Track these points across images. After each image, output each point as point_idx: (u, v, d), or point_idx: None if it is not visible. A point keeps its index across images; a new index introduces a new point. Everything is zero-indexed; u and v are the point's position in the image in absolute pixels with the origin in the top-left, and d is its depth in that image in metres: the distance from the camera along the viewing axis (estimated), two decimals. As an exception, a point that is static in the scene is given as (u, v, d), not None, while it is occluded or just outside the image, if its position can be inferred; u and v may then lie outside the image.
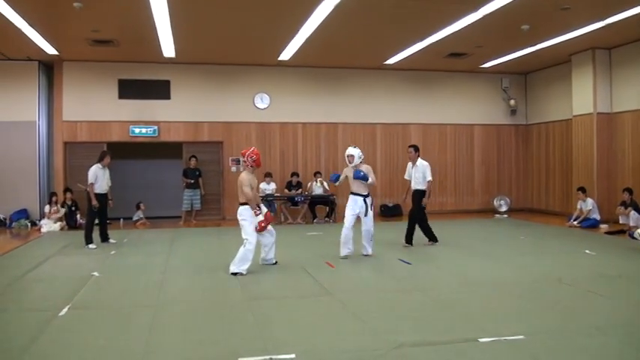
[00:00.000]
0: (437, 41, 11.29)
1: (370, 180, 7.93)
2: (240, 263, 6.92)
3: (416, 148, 9.24)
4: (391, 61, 13.41)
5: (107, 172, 9.60)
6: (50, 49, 11.65)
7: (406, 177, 9.43)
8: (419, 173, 8.99)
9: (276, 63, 13.52)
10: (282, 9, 9.22)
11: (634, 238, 9.10)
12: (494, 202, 14.82)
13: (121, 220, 12.79)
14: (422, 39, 11.30)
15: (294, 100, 14.26)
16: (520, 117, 15.68)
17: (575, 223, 11.77)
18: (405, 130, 14.88)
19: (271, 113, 14.12)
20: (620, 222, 11.08)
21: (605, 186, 12.52)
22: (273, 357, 3.97)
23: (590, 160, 12.69)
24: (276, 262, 7.49)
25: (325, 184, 13.43)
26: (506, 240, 10.23)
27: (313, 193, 13.30)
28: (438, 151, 15.12)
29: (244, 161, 7.23)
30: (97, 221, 9.54)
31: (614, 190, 12.22)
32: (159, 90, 13.57)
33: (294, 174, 13.50)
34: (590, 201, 11.79)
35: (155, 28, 9.96)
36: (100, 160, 9.50)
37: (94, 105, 13.24)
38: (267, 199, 12.36)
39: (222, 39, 11.36)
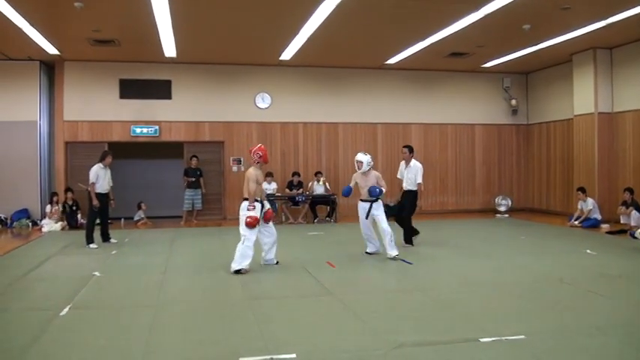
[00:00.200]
0: (438, 41, 11.29)
1: (384, 190, 8.02)
2: (240, 260, 6.95)
3: (410, 149, 9.21)
4: (392, 60, 13.41)
5: (108, 172, 9.60)
6: (51, 49, 11.66)
7: (398, 176, 9.39)
8: (412, 174, 8.96)
9: (277, 63, 13.53)
10: (283, 9, 9.22)
11: (635, 237, 9.10)
12: (495, 201, 14.80)
13: (122, 219, 12.79)
14: (423, 39, 11.29)
15: (295, 100, 14.26)
16: (521, 117, 15.67)
17: (576, 222, 11.77)
18: (406, 130, 14.88)
19: (272, 113, 14.13)
20: (621, 222, 11.08)
21: (606, 186, 12.51)
22: (274, 357, 3.97)
23: (591, 159, 12.68)
24: (277, 263, 7.49)
25: (327, 184, 13.44)
26: (507, 240, 10.23)
27: (314, 193, 13.30)
28: (439, 150, 15.12)
29: (252, 158, 7.27)
30: (98, 221, 9.55)
31: (615, 190, 12.21)
32: (160, 90, 13.58)
33: (295, 174, 13.51)
34: (590, 201, 11.78)
35: (156, 27, 9.96)
36: (101, 160, 9.51)
37: (95, 105, 13.25)
38: (268, 199, 12.34)
39: (224, 39, 11.36)
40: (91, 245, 9.19)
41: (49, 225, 11.80)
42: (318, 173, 13.54)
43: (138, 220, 13.10)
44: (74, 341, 4.42)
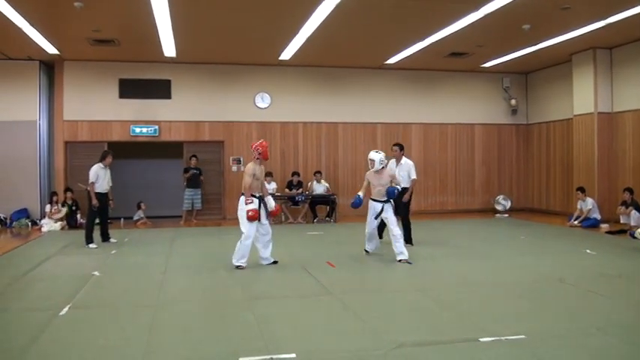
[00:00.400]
0: (437, 41, 11.29)
1: (400, 189, 7.93)
2: (239, 257, 7.16)
3: (401, 147, 9.20)
4: (392, 60, 13.41)
5: (108, 171, 9.60)
6: (51, 49, 11.65)
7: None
8: (404, 172, 8.98)
9: (276, 63, 13.52)
10: (283, 9, 9.22)
11: (635, 237, 9.09)
12: (495, 201, 14.81)
13: (122, 219, 12.79)
14: (422, 38, 11.29)
15: (294, 100, 14.26)
16: (521, 116, 15.67)
17: (575, 222, 11.77)
18: (406, 130, 14.88)
19: (272, 113, 14.13)
20: (621, 222, 11.08)
21: (606, 186, 12.52)
22: (274, 357, 3.97)
23: (590, 159, 12.68)
24: (276, 262, 7.48)
25: (327, 184, 13.43)
26: (507, 240, 10.23)
27: (314, 193, 13.30)
28: (439, 150, 15.12)
29: (253, 153, 7.38)
30: (97, 221, 9.55)
31: (615, 190, 12.21)
32: (160, 89, 13.57)
33: (295, 173, 13.51)
34: (589, 200, 11.79)
35: (156, 27, 9.96)
36: (101, 160, 9.51)
37: (95, 104, 13.25)
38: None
39: (223, 38, 11.36)
40: (91, 245, 9.19)
41: (49, 225, 11.79)
42: (317, 173, 13.54)
43: (137, 220, 13.10)
44: (74, 341, 4.41)
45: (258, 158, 7.28)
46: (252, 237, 7.13)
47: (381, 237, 9.28)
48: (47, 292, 6.12)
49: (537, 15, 9.68)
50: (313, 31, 10.42)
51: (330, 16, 9.36)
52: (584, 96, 12.85)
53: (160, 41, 11.04)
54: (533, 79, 15.51)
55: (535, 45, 11.90)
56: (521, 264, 7.60)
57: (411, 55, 12.67)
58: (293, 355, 3.99)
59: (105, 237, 9.74)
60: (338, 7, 8.80)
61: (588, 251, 8.53)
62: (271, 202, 7.45)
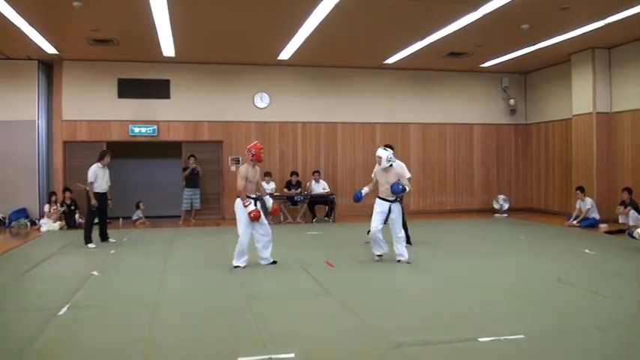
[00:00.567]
0: (437, 40, 11.29)
1: (407, 190, 7.45)
2: (236, 257, 7.25)
3: (392, 148, 9.10)
4: (391, 60, 13.41)
5: (107, 171, 9.60)
6: (50, 49, 11.64)
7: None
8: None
9: (275, 62, 13.52)
10: (282, 8, 9.22)
11: (633, 237, 9.09)
12: (494, 201, 14.81)
13: (121, 219, 12.78)
14: (422, 38, 11.29)
15: (293, 100, 14.26)
16: (520, 116, 15.68)
17: (574, 222, 11.78)
18: (405, 130, 14.88)
19: (271, 113, 14.12)
20: (620, 221, 11.08)
21: (605, 185, 12.52)
22: (273, 356, 3.97)
23: (589, 159, 12.69)
24: (275, 262, 7.48)
25: (325, 184, 13.43)
26: (506, 240, 10.23)
27: (313, 193, 13.29)
28: (438, 150, 15.13)
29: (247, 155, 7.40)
30: (96, 220, 9.54)
31: (614, 190, 12.22)
32: (158, 89, 13.56)
33: (294, 173, 13.50)
34: (589, 200, 11.80)
35: (155, 27, 9.95)
36: (100, 160, 9.50)
37: (94, 104, 13.23)
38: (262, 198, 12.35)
39: (222, 38, 11.35)
40: (90, 245, 9.18)
41: (48, 225, 11.78)
42: (315, 172, 13.53)
43: (136, 220, 13.09)
44: (73, 341, 4.41)
45: (252, 160, 7.30)
46: (248, 238, 7.20)
47: (409, 242, 9.20)
48: (46, 292, 6.12)
49: (536, 15, 9.68)
50: (312, 31, 10.41)
51: (329, 16, 9.35)
52: (582, 96, 12.86)
53: (158, 41, 11.03)
54: (532, 79, 15.52)
55: (534, 45, 11.91)
56: (520, 264, 7.61)
57: (410, 54, 12.67)
58: (292, 355, 3.99)
59: (104, 237, 9.74)
60: (337, 6, 8.79)
61: (587, 251, 8.53)
62: (269, 202, 7.45)
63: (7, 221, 12.42)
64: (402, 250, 7.55)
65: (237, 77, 14.01)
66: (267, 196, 7.63)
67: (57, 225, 11.86)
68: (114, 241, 9.75)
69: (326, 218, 13.18)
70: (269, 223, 7.45)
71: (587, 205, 11.73)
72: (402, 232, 7.63)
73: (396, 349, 4.12)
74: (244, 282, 6.52)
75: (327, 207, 13.34)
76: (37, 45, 11.22)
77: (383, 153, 7.50)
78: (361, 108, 14.58)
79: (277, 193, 13.12)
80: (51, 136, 13.42)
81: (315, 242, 9.91)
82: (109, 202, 9.75)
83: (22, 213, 12.50)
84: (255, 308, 5.29)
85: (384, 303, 5.59)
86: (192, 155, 13.25)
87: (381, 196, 7.57)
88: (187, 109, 13.71)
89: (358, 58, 13.58)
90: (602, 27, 10.34)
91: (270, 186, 13.00)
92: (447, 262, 7.81)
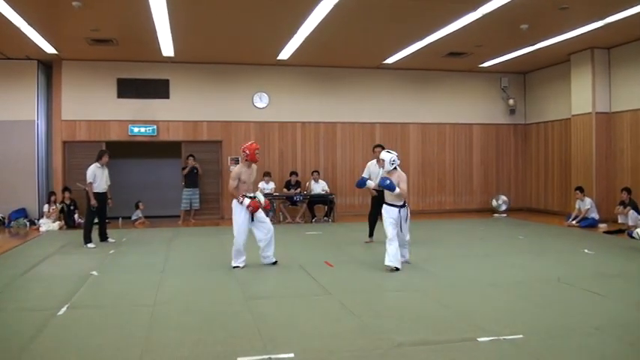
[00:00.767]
0: (436, 40, 11.29)
1: (397, 191, 6.96)
2: (234, 257, 7.31)
3: (383, 148, 9.06)
4: (390, 60, 13.41)
5: (106, 171, 9.59)
6: (49, 48, 11.63)
7: (365, 176, 9.17)
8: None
9: (275, 62, 13.51)
10: (282, 8, 9.22)
11: (633, 237, 9.10)
12: (493, 201, 14.82)
13: (120, 219, 12.78)
14: (421, 38, 11.29)
15: (293, 100, 14.26)
16: (519, 116, 15.68)
17: (573, 222, 11.78)
18: (404, 130, 14.88)
19: (270, 112, 14.12)
20: (619, 221, 11.09)
21: (604, 185, 12.53)
22: (272, 356, 3.97)
23: (588, 159, 12.69)
24: (275, 262, 7.47)
25: (325, 184, 13.42)
26: (505, 239, 10.23)
27: (312, 193, 13.29)
28: (437, 150, 15.13)
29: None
30: (96, 220, 9.54)
31: (613, 190, 12.23)
32: (158, 89, 13.56)
33: (293, 173, 13.49)
34: (588, 200, 11.80)
35: (154, 27, 9.95)
36: (98, 160, 9.50)
37: (93, 104, 13.23)
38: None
39: (221, 38, 11.35)
40: (89, 245, 9.18)
41: (47, 224, 11.78)
42: (314, 172, 13.52)
43: (136, 220, 13.08)
44: (72, 341, 4.41)
45: (246, 160, 7.32)
46: (243, 238, 7.20)
47: (373, 233, 9.30)
48: (45, 292, 6.11)
49: (536, 15, 9.69)
50: (312, 31, 10.41)
51: (329, 16, 9.35)
52: (582, 96, 12.86)
53: (158, 41, 11.03)
54: (531, 79, 15.52)
55: (533, 45, 11.91)
56: (519, 264, 7.61)
57: (409, 54, 12.67)
58: (291, 355, 3.99)
59: (103, 237, 9.74)
60: (337, 6, 8.79)
61: (586, 251, 8.54)
62: (260, 197, 7.41)
63: (6, 221, 12.41)
64: (404, 252, 7.47)
65: (237, 77, 14.01)
66: (258, 192, 7.62)
67: (56, 225, 11.85)
68: (113, 240, 9.74)
69: (325, 218, 13.18)
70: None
71: (586, 205, 11.74)
72: (408, 235, 7.41)
73: (396, 348, 4.12)
74: (243, 282, 6.52)
75: (326, 207, 13.34)
76: (37, 45, 11.21)
77: (386, 156, 7.22)
78: (360, 108, 14.58)
79: (277, 193, 13.12)
80: (50, 136, 13.41)
81: (314, 242, 9.91)
82: (109, 201, 9.75)
83: (22, 213, 12.48)
84: (254, 308, 5.29)
85: (384, 303, 5.60)
86: (191, 155, 13.24)
87: (387, 201, 7.22)
88: (187, 109, 13.70)
89: (357, 58, 13.58)
90: (601, 27, 10.34)
91: (269, 186, 13.00)
92: (447, 262, 7.81)
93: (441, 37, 11.02)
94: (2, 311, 5.34)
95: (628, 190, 11.03)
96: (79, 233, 9.60)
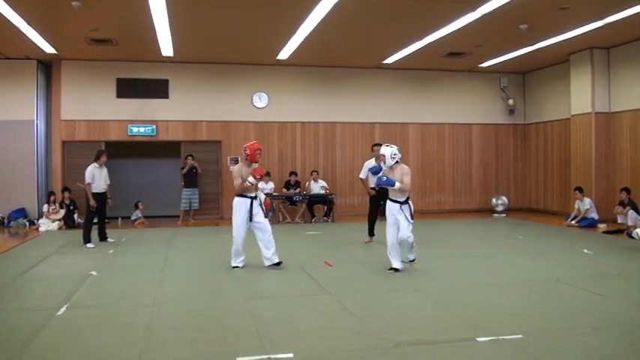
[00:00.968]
0: (435, 40, 11.29)
1: (397, 185, 6.74)
2: (233, 257, 7.32)
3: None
4: (390, 60, 13.41)
5: (105, 170, 9.58)
6: (49, 48, 11.63)
7: (362, 176, 9.12)
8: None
9: (274, 62, 13.51)
10: (281, 8, 9.22)
11: (632, 237, 9.11)
12: (492, 201, 14.82)
13: (120, 219, 12.78)
14: (420, 38, 11.29)
15: (292, 100, 14.26)
16: (518, 116, 15.69)
17: (573, 222, 11.79)
18: (404, 130, 14.89)
19: (270, 112, 14.12)
20: (619, 221, 11.08)
21: (604, 185, 12.53)
22: (272, 356, 3.97)
23: (588, 159, 12.70)
24: (280, 263, 7.22)
25: (325, 183, 13.42)
26: (504, 239, 10.24)
27: (311, 193, 13.29)
28: (437, 150, 15.13)
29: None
30: (95, 220, 9.54)
31: (613, 190, 12.23)
32: (157, 89, 13.56)
33: (293, 173, 13.49)
34: (587, 200, 11.80)
35: (154, 27, 9.95)
36: (96, 160, 9.48)
37: (93, 104, 13.22)
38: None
39: (221, 38, 11.35)
40: (88, 245, 9.17)
41: (46, 224, 11.77)
42: (313, 172, 13.52)
43: (135, 220, 13.08)
44: (71, 341, 4.41)
45: (246, 159, 7.32)
46: (242, 237, 7.18)
47: (373, 233, 9.29)
48: (44, 292, 6.11)
49: (535, 15, 9.69)
50: (311, 31, 10.41)
51: (328, 16, 9.35)
52: (581, 96, 12.86)
53: (157, 41, 11.02)
54: (530, 79, 15.53)
55: (533, 45, 11.92)
56: (518, 263, 7.61)
57: (408, 54, 12.67)
58: (290, 355, 3.99)
59: (102, 237, 9.73)
60: (336, 6, 8.78)
61: (586, 251, 8.54)
62: (261, 196, 7.41)
63: (5, 221, 12.40)
64: (408, 255, 7.36)
65: (236, 77, 14.00)
66: (259, 192, 7.61)
67: (56, 225, 11.85)
68: (112, 240, 9.74)
69: (325, 218, 13.17)
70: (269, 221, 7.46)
71: (585, 205, 11.74)
72: (411, 236, 7.06)
73: (395, 348, 4.12)
74: (243, 282, 6.52)
75: (325, 207, 13.34)
76: (36, 44, 11.21)
77: (386, 150, 6.97)
78: (360, 108, 14.58)
79: (276, 193, 13.12)
80: (49, 135, 13.41)
81: (313, 242, 9.91)
82: (109, 200, 9.74)
83: (21, 213, 12.47)
84: (253, 308, 5.29)
85: (383, 302, 5.59)
86: (191, 155, 13.24)
87: (390, 197, 7.03)
88: (186, 108, 13.70)
89: (357, 58, 13.58)
90: (601, 27, 10.35)
91: (269, 186, 12.99)
92: (446, 261, 7.81)
93: (441, 37, 11.02)
94: (2, 311, 5.34)
95: (627, 190, 11.04)
96: (79, 233, 9.60)
